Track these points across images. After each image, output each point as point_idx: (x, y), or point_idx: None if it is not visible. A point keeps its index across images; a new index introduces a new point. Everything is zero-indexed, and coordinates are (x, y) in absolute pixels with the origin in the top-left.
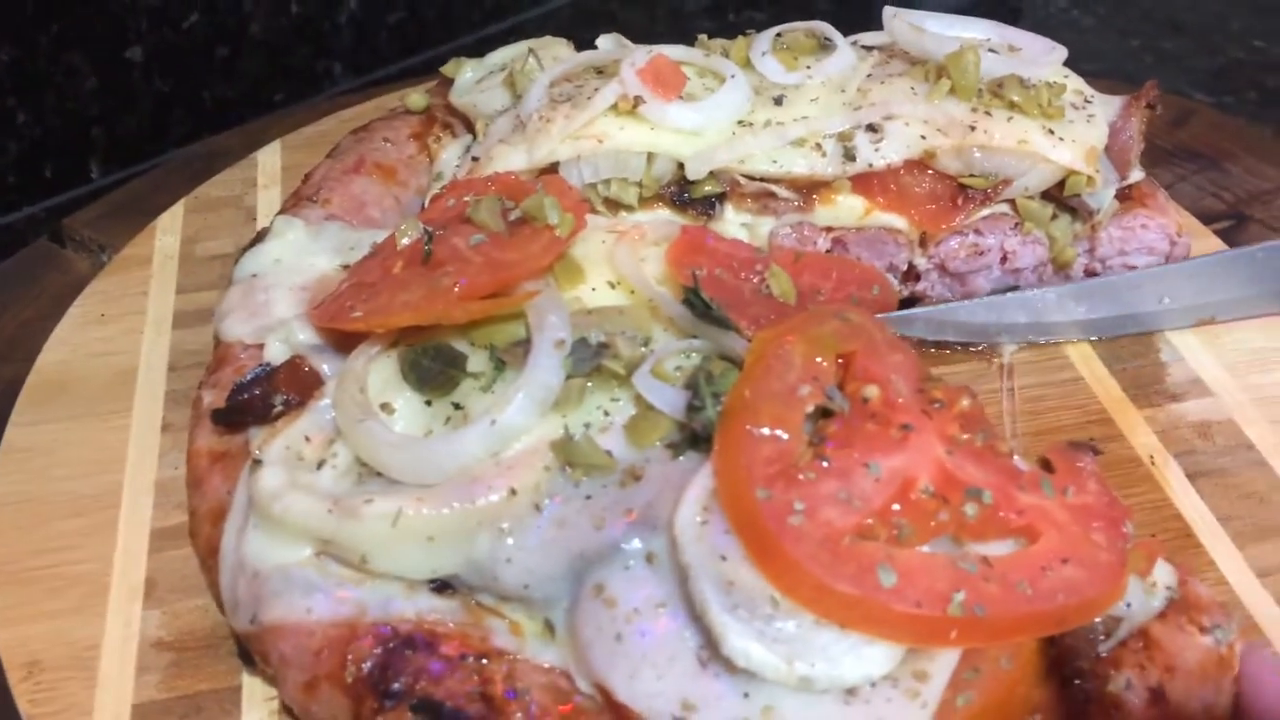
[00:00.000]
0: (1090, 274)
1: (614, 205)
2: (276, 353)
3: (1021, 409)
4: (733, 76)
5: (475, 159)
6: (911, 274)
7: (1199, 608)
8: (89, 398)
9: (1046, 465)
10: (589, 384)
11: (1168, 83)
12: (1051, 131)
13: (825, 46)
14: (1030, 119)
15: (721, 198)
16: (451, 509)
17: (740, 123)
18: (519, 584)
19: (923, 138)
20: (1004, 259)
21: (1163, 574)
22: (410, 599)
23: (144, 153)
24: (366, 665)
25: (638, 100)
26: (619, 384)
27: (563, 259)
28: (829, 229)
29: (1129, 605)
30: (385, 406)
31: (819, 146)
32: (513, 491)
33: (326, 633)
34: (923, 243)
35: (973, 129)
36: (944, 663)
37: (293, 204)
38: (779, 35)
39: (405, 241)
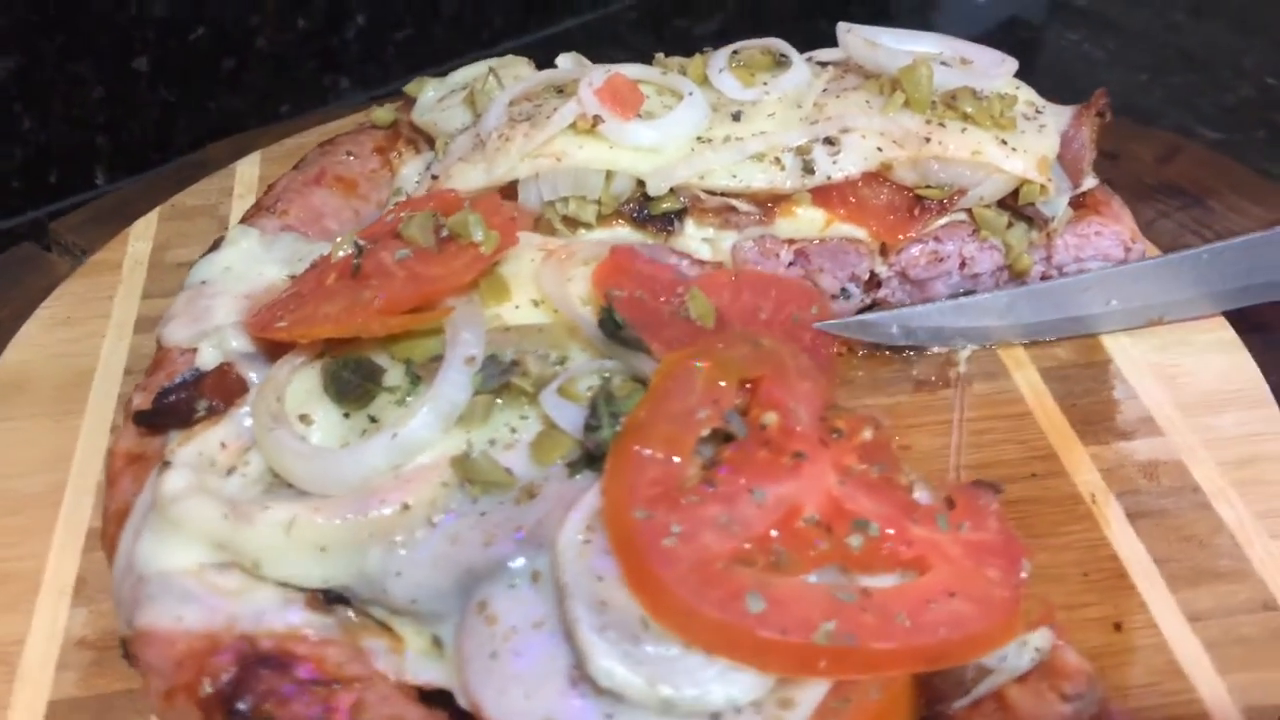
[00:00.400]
0: (1047, 279)
1: (573, 223)
2: (208, 358)
3: (969, 441)
4: (690, 94)
5: (434, 177)
6: (873, 282)
7: (1064, 674)
8: (45, 398)
9: (950, 502)
10: (499, 401)
11: (1176, 119)
12: (1004, 142)
13: (781, 63)
14: (983, 130)
15: (682, 214)
16: (345, 520)
17: (699, 139)
18: (407, 598)
19: (879, 150)
20: (962, 264)
21: (1036, 635)
22: (283, 613)
23: (149, 161)
24: (220, 681)
25: (596, 119)
26: (529, 402)
27: (490, 276)
28: (791, 241)
29: (1004, 659)
30: (304, 418)
31: (778, 160)
32: (406, 506)
33: (190, 643)
34: (884, 251)
35: (927, 141)
36: (813, 692)
37: (253, 214)
38: (735, 53)
39: (340, 255)
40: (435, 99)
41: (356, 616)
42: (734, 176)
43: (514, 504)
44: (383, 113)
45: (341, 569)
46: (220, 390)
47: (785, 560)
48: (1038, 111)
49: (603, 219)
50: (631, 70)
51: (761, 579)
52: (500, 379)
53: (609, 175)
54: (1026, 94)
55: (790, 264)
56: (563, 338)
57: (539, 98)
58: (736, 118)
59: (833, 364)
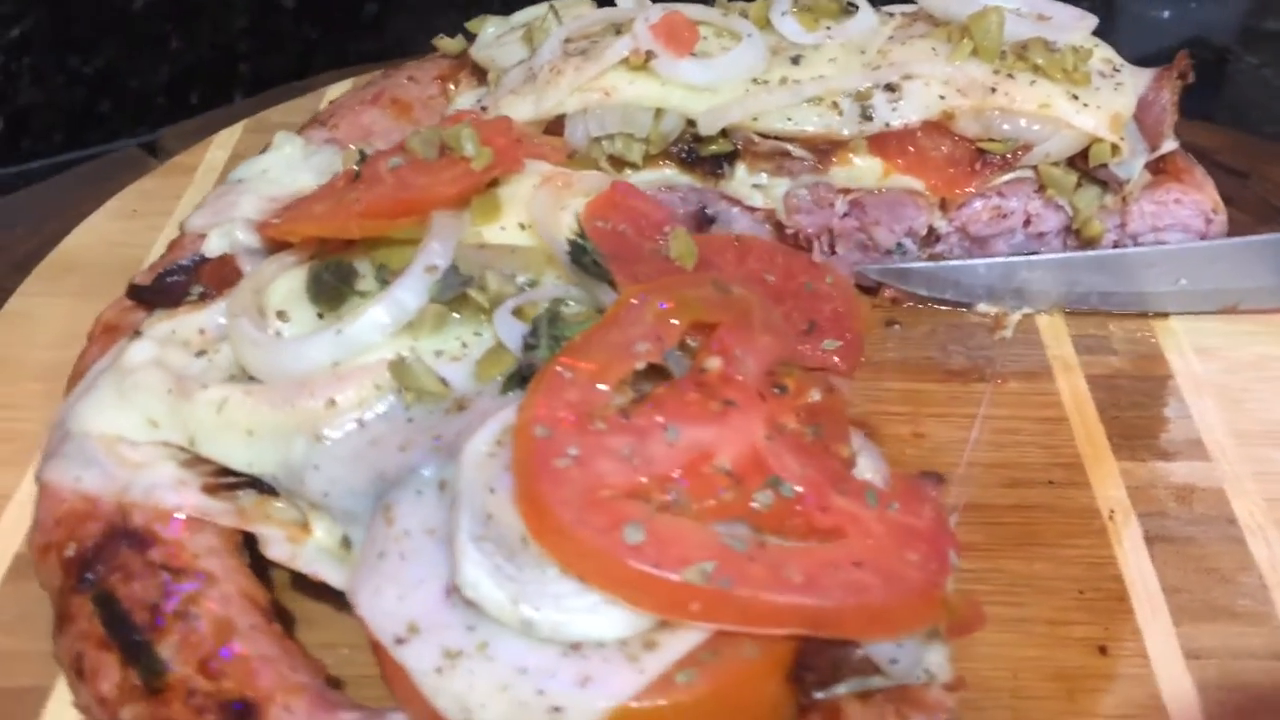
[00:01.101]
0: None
1: (619, 163)
2: (215, 246)
3: (989, 439)
4: (749, 36)
5: (484, 108)
6: (931, 237)
7: (920, 705)
8: (91, 281)
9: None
10: (457, 315)
11: None
12: (1076, 97)
13: (848, 11)
14: (1054, 83)
15: (733, 158)
16: (272, 406)
17: (754, 81)
18: (320, 491)
19: (941, 98)
20: (1027, 222)
21: (934, 654)
22: (175, 492)
23: (286, 94)
24: (84, 546)
25: (649, 55)
26: (485, 319)
27: (484, 195)
28: (846, 190)
29: (895, 662)
30: (281, 314)
31: (835, 105)
32: (332, 402)
33: (74, 504)
34: (943, 206)
35: (993, 91)
36: (682, 638)
37: (306, 126)
38: None
39: (351, 164)
40: (494, 35)
41: (257, 505)
42: (789, 120)
43: (443, 414)
44: (451, 41)
45: (267, 455)
46: (216, 278)
47: (681, 502)
48: (1115, 70)
49: (650, 159)
50: (691, 10)
51: (650, 514)
52: (456, 290)
53: (658, 114)
54: (1105, 52)
55: (845, 215)
56: (538, 263)
57: (596, 35)
58: (796, 61)
59: (859, 340)
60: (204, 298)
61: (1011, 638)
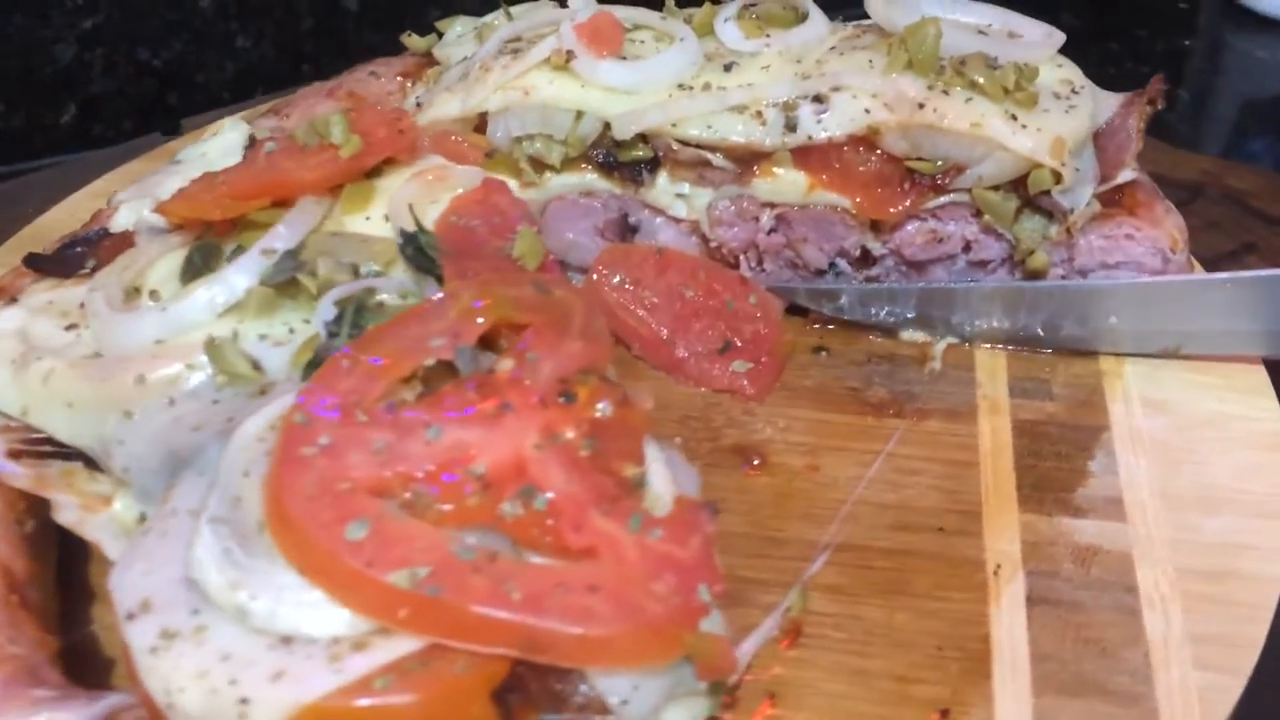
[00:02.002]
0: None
1: (539, 166)
2: (121, 222)
3: (888, 478)
4: (681, 40)
5: (419, 104)
6: (867, 260)
7: None
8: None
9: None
10: (290, 300)
11: None
12: (1014, 117)
13: (803, 20)
14: (991, 101)
15: (654, 166)
16: (88, 379)
17: (680, 86)
18: (122, 467)
19: (867, 112)
20: (967, 248)
21: (676, 711)
22: None
23: None
24: None
25: (570, 55)
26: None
27: (359, 185)
28: (771, 205)
29: (625, 703)
30: (154, 294)
31: (759, 115)
32: (141, 378)
33: None
34: (876, 227)
35: (921, 107)
36: (396, 644)
37: (263, 114)
38: (752, 4)
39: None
40: (458, 35)
41: (63, 475)
42: (709, 127)
43: (247, 399)
44: (419, 40)
45: (85, 429)
46: (112, 254)
47: (423, 503)
48: (1073, 92)
49: (569, 162)
50: (625, 11)
51: (383, 513)
52: (286, 274)
53: (579, 116)
54: (1068, 72)
55: (771, 230)
56: (389, 254)
57: (540, 35)
58: (728, 69)
59: (775, 364)
60: (95, 271)
61: (849, 690)
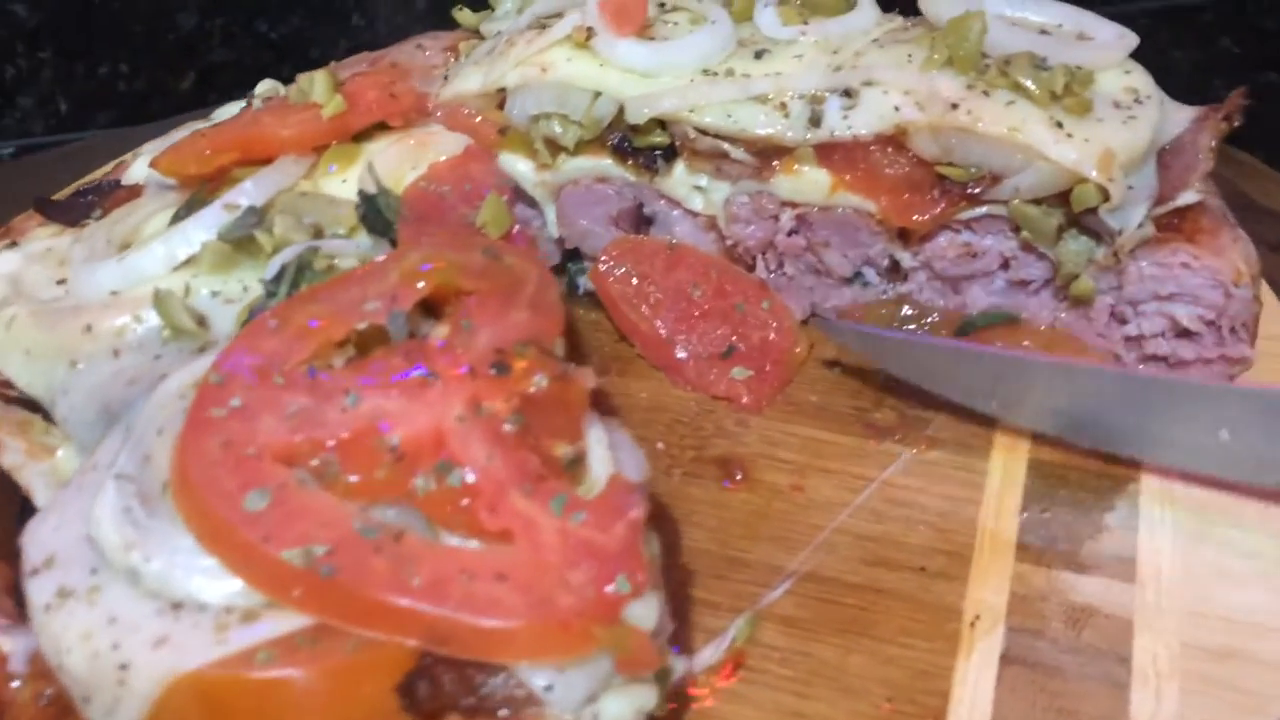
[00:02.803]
0: (1119, 319)
1: (555, 147)
2: (134, 175)
3: (877, 507)
4: (713, 23)
5: (446, 78)
6: (897, 271)
7: None
8: None
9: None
10: (250, 259)
11: None
12: (1060, 125)
13: (851, 9)
14: (1035, 106)
15: (671, 154)
16: (41, 327)
17: (704, 72)
18: (62, 417)
19: (896, 109)
20: (1006, 265)
21: (611, 701)
22: None
23: None
24: None
25: (590, 32)
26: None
27: (344, 146)
28: (792, 204)
29: (550, 689)
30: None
31: (784, 106)
32: (88, 328)
33: None
34: (906, 236)
35: (954, 107)
36: (286, 619)
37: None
38: None
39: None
40: (505, 10)
41: (20, 422)
42: (729, 116)
43: (188, 355)
44: (469, 15)
45: (38, 377)
46: (116, 205)
47: (331, 472)
48: (1136, 101)
49: (584, 146)
50: None
51: (289, 484)
52: (245, 231)
53: (596, 97)
54: (1136, 80)
55: (792, 232)
56: (355, 217)
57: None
58: (759, 56)
59: (780, 375)
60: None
61: None
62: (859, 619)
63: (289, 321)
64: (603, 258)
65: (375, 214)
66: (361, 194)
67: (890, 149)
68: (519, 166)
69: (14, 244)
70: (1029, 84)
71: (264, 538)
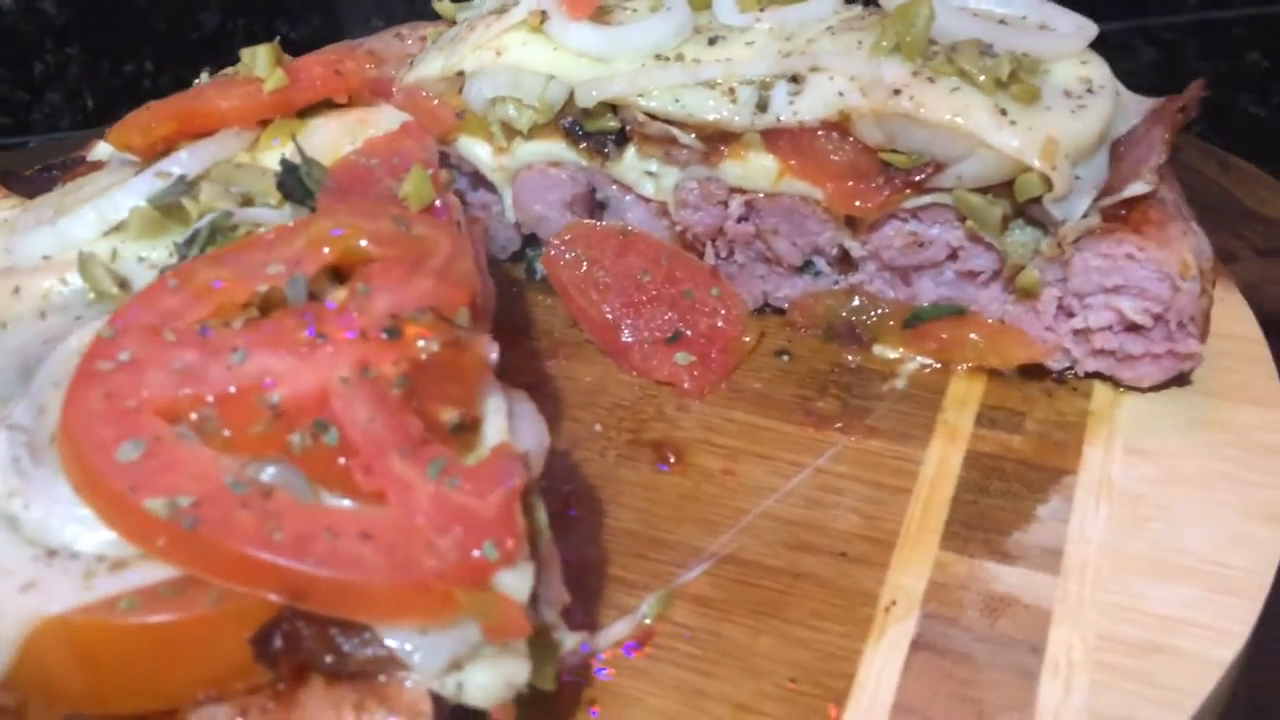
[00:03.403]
0: (1066, 312)
1: (511, 132)
2: (98, 151)
3: (806, 493)
4: (669, 9)
5: (411, 63)
6: (847, 261)
7: (388, 702)
8: None
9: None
10: (180, 226)
11: None
12: (1004, 112)
13: None
14: (980, 93)
15: (622, 139)
16: None
17: (656, 57)
18: None
19: (840, 95)
20: (953, 256)
21: (478, 670)
22: None
23: None
24: None
25: (544, 16)
26: None
27: (287, 121)
28: (741, 191)
29: (412, 652)
30: None
31: (732, 92)
32: (16, 290)
33: None
34: (854, 225)
35: (897, 93)
36: (154, 569)
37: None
38: None
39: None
40: (480, 2)
41: None
42: (677, 101)
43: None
44: (447, 4)
45: None
46: (76, 179)
47: (210, 428)
48: (1089, 91)
49: (538, 130)
50: None
51: (165, 436)
52: (171, 197)
53: (550, 81)
54: (1092, 71)
55: (741, 219)
56: None
57: None
58: (712, 42)
59: (724, 362)
60: None
61: (678, 710)
62: (773, 601)
63: (190, 281)
64: (554, 242)
65: (296, 183)
66: (283, 162)
67: (835, 135)
68: (477, 150)
69: None
70: (974, 70)
71: (131, 487)
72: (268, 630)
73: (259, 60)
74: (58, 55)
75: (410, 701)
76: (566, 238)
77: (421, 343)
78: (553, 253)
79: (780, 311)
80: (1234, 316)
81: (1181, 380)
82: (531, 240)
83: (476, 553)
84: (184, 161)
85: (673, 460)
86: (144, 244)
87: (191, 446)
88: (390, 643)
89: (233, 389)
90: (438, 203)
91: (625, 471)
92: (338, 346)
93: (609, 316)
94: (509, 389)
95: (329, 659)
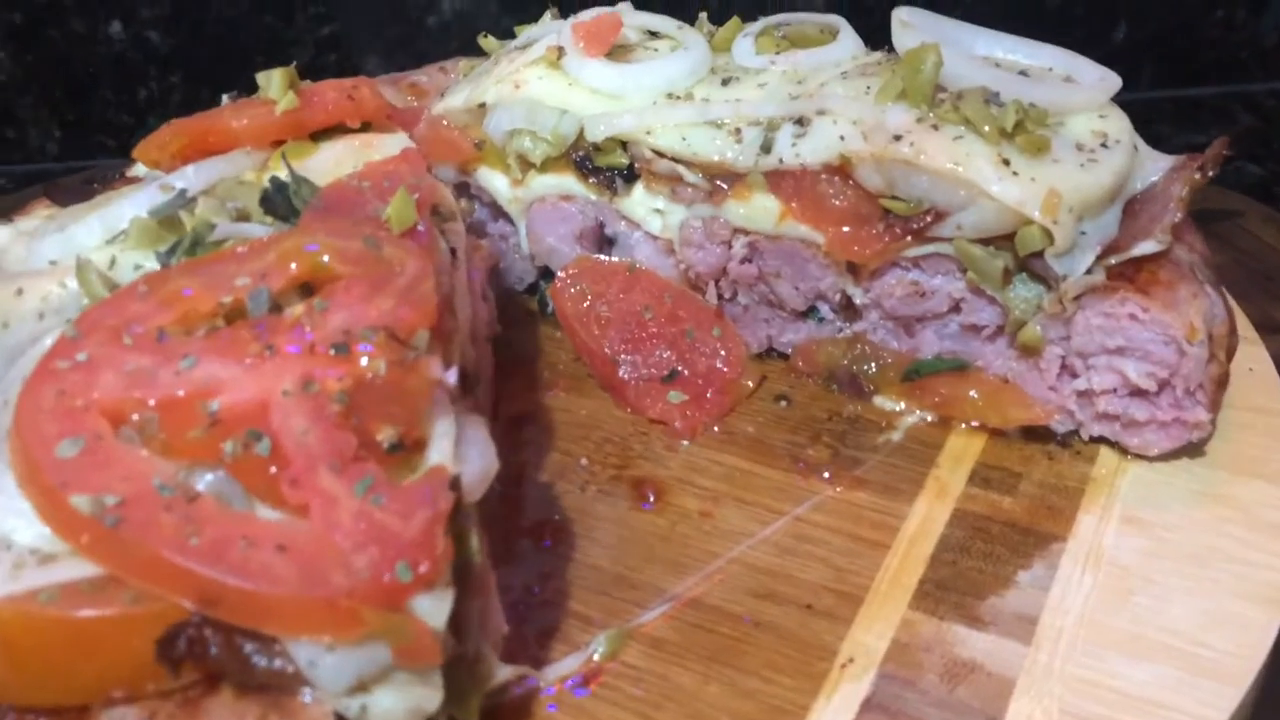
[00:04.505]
0: (1070, 372)
1: (526, 164)
2: (137, 168)
3: (782, 541)
4: (686, 50)
5: (442, 95)
6: (851, 310)
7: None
8: None
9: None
10: (176, 237)
11: None
12: (1007, 162)
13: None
14: (984, 142)
15: (631, 175)
16: None
17: (669, 95)
18: None
19: (842, 139)
20: (956, 309)
21: (387, 695)
22: None
23: None
24: None
25: (561, 51)
26: None
27: (300, 143)
28: (744, 231)
29: (314, 665)
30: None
31: (738, 133)
32: (19, 291)
33: None
34: (856, 271)
35: (897, 139)
36: (80, 566)
37: None
38: (786, 24)
39: None
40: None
41: None
42: (684, 139)
43: None
44: (492, 41)
45: None
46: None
47: (150, 430)
48: (1103, 145)
49: (551, 163)
50: (646, 18)
51: (106, 436)
52: (171, 210)
53: (563, 115)
54: (1110, 125)
55: (744, 260)
56: None
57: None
58: (725, 83)
59: (719, 404)
60: None
61: None
62: (729, 649)
63: (159, 288)
64: (561, 275)
65: (284, 200)
66: (273, 179)
67: (837, 179)
68: (495, 182)
69: (10, 220)
70: (977, 119)
71: (63, 483)
72: (173, 633)
73: (273, 83)
74: (161, 83)
75: (313, 719)
76: (573, 271)
77: (366, 361)
78: (559, 285)
79: (784, 356)
80: (1264, 389)
81: (1194, 451)
82: (546, 273)
83: (389, 574)
84: (189, 177)
85: (652, 499)
86: (141, 253)
87: (129, 448)
88: (295, 655)
89: (180, 393)
90: (420, 227)
91: (603, 507)
92: (284, 359)
93: (607, 351)
94: (466, 413)
95: (237, 670)
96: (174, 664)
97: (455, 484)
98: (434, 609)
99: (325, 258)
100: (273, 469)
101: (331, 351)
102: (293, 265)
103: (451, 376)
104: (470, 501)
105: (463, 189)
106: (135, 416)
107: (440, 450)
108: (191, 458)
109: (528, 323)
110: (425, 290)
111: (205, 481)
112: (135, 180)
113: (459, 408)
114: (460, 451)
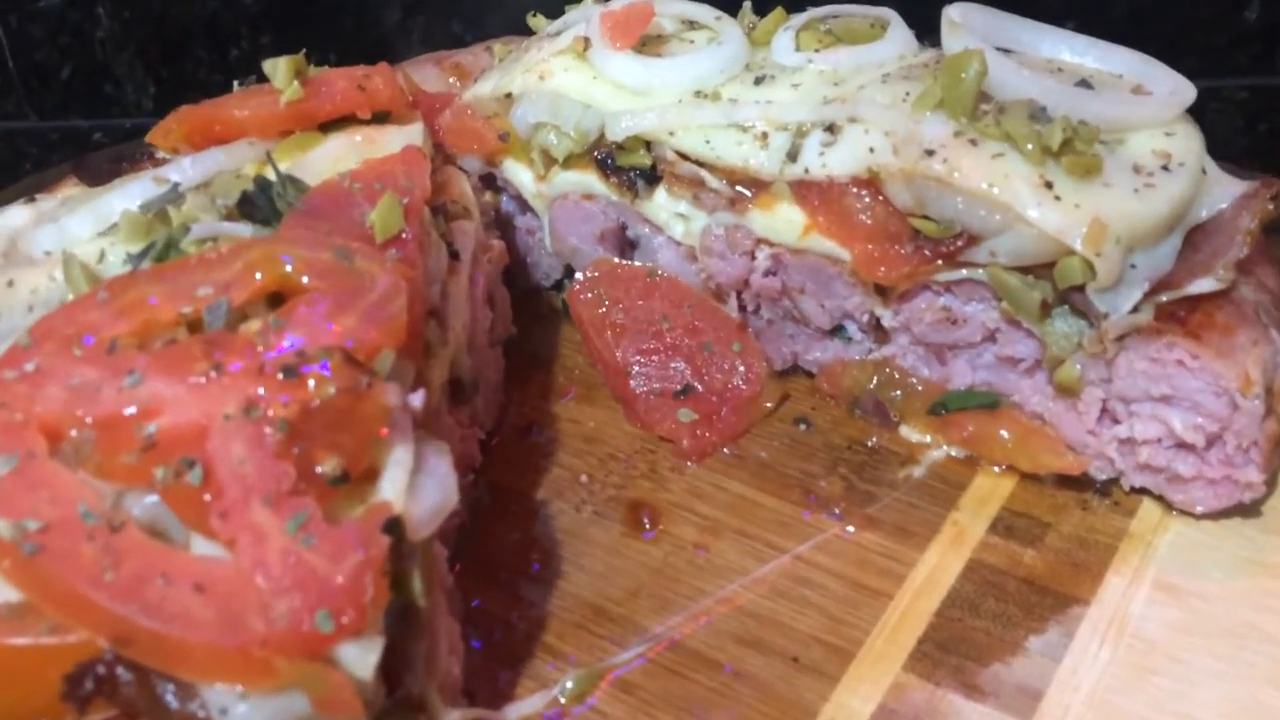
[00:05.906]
0: (1112, 417)
1: (549, 158)
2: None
3: (778, 583)
4: (719, 45)
5: (474, 81)
6: (882, 330)
7: None
8: None
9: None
10: (165, 231)
11: None
12: (1049, 185)
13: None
14: (1026, 161)
15: (653, 176)
16: None
17: (697, 93)
18: None
19: (871, 150)
20: (992, 338)
21: None
22: None
23: None
24: None
25: (587, 42)
26: None
27: (306, 135)
28: (769, 243)
29: (225, 712)
30: None
31: (765, 137)
32: (10, 283)
33: None
34: (884, 293)
35: (930, 154)
36: (4, 590)
37: None
38: (831, 15)
39: None
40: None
41: None
42: (707, 142)
43: None
44: (539, 20)
45: None
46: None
47: (85, 450)
48: (1164, 168)
49: (574, 159)
50: (676, 4)
51: (40, 455)
52: (161, 205)
53: (587, 110)
54: (1176, 144)
55: (768, 273)
56: None
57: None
58: (759, 82)
59: (732, 426)
60: None
61: None
62: (702, 701)
63: (120, 295)
64: (578, 277)
65: (266, 202)
66: (258, 179)
67: (866, 194)
68: (521, 176)
69: (33, 200)
70: (1020, 135)
71: None
72: (81, 670)
73: (278, 71)
74: (252, 42)
75: None
76: (592, 274)
77: (314, 385)
78: (577, 287)
79: (810, 375)
80: None
81: (1248, 511)
82: (571, 271)
83: (308, 623)
84: (184, 169)
85: (649, 525)
86: (134, 246)
87: (61, 469)
88: (209, 703)
89: (111, 413)
90: (405, 234)
91: (596, 531)
92: (230, 380)
93: (619, 360)
94: (430, 440)
95: (149, 710)
96: (80, 702)
97: (394, 525)
98: (359, 658)
99: (290, 268)
100: (206, 498)
101: (280, 375)
102: (258, 275)
103: (416, 400)
104: (419, 539)
105: (489, 181)
106: (74, 433)
107: (393, 481)
108: (122, 481)
109: (550, 321)
110: (394, 309)
111: (142, 507)
112: (161, 162)
113: (425, 432)
114: (416, 482)
